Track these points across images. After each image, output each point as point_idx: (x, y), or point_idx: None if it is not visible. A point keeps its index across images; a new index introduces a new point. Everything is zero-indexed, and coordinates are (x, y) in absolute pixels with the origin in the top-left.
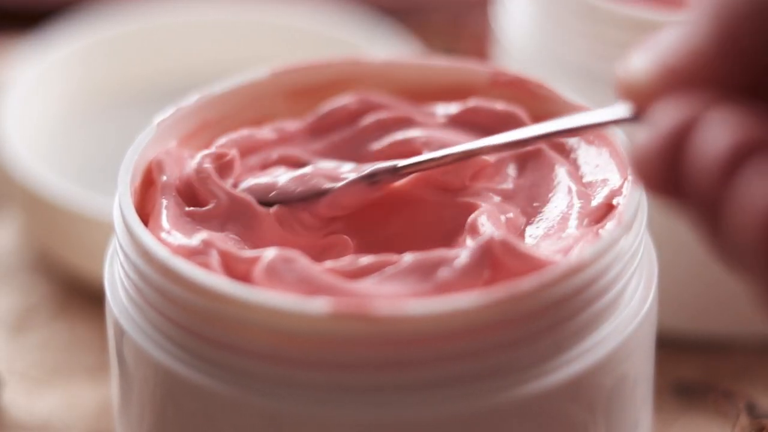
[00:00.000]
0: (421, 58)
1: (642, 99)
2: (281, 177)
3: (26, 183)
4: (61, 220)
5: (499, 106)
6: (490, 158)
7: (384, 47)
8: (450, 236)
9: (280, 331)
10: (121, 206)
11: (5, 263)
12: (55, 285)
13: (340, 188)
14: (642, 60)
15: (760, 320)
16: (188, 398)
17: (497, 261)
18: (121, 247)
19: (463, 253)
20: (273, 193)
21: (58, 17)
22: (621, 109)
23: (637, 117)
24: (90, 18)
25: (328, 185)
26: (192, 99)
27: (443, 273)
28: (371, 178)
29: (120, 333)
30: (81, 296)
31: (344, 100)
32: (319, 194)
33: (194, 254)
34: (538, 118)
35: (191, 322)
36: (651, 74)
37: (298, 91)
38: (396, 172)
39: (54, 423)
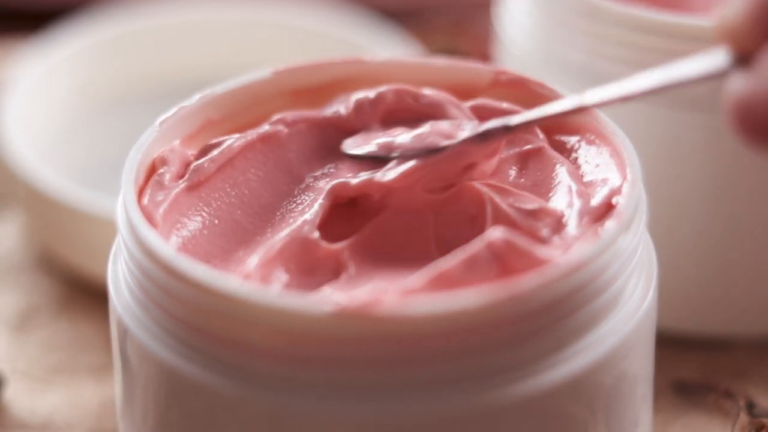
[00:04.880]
0: (423, 58)
1: (744, 39)
2: (400, 137)
3: (29, 182)
4: (64, 218)
5: (505, 105)
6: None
7: (386, 49)
8: (454, 236)
9: (283, 330)
10: (125, 205)
11: (8, 262)
12: (58, 284)
13: (456, 145)
14: None
15: (760, 319)
16: (192, 396)
17: (502, 259)
18: (125, 245)
19: (469, 251)
20: (395, 151)
21: (63, 17)
22: (721, 57)
23: (739, 63)
24: (94, 18)
25: (445, 142)
26: (194, 99)
27: (449, 270)
28: (484, 137)
29: (123, 331)
30: (83, 295)
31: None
32: (437, 151)
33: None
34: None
35: (195, 320)
36: (751, 6)
37: (300, 90)
38: (508, 131)
39: (56, 422)
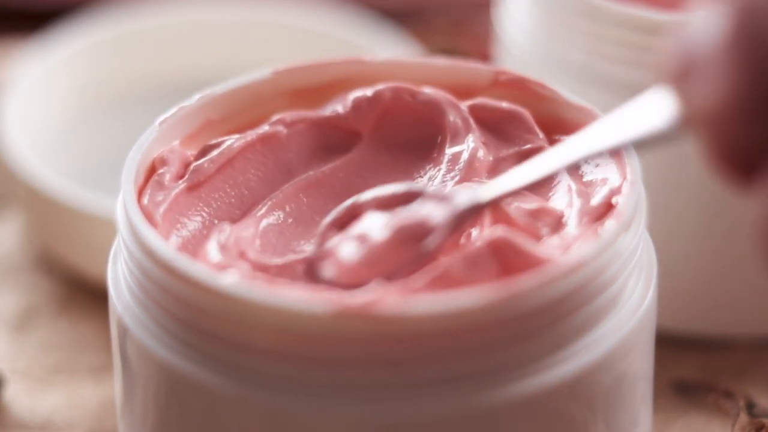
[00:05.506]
0: (423, 58)
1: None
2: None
3: (29, 181)
4: (64, 218)
5: (504, 104)
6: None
7: (386, 49)
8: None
9: (283, 329)
10: (125, 205)
11: (8, 262)
12: (58, 283)
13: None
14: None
15: (760, 319)
16: (192, 396)
17: (502, 259)
18: (125, 245)
19: (469, 250)
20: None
21: (63, 17)
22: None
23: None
24: (94, 18)
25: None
26: (194, 99)
27: (450, 269)
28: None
29: (123, 331)
30: (83, 295)
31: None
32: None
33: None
34: (539, 118)
35: (195, 319)
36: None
37: (300, 90)
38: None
39: (56, 422)
